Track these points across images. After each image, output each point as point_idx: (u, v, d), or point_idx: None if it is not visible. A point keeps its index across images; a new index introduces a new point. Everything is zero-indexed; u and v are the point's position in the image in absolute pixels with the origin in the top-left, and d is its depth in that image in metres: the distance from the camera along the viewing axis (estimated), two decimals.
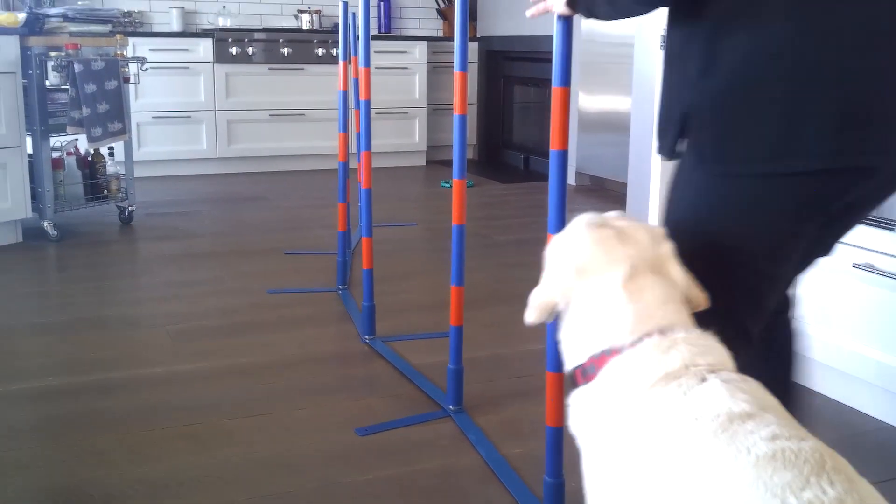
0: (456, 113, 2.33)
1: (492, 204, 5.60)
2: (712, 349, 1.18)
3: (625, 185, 4.19)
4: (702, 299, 1.29)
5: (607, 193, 5.83)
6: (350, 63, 3.49)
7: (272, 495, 1.98)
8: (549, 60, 5.11)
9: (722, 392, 1.07)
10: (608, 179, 5.91)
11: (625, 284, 1.21)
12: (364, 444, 2.23)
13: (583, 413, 1.21)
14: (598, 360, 1.20)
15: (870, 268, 2.29)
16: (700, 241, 1.39)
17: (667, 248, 1.28)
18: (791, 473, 0.93)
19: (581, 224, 1.31)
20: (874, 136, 1.30)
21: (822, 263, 2.40)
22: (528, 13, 1.63)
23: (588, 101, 5.99)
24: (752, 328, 1.47)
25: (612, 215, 1.33)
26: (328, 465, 2.12)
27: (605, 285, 1.22)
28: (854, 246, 2.33)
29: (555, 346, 1.58)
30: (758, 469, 0.95)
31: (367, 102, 2.91)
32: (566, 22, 1.64)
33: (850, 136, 1.29)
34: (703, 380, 1.11)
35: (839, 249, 2.34)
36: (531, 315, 1.30)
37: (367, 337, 2.95)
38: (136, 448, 2.20)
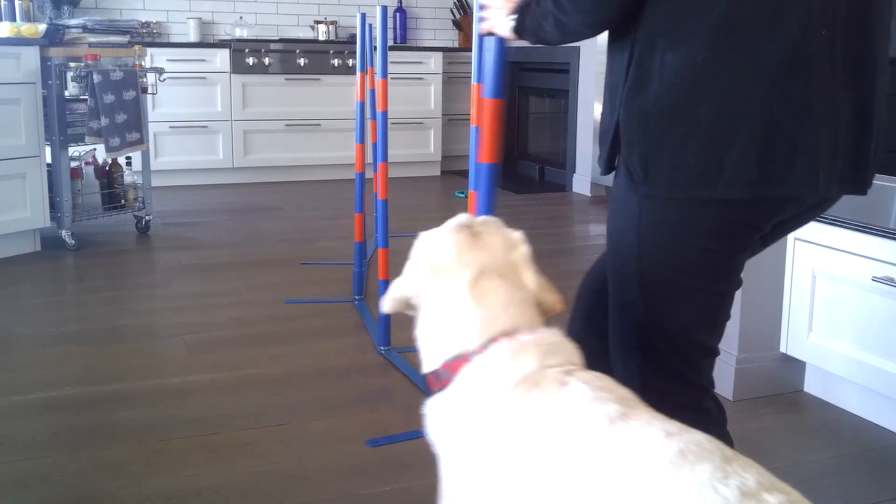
0: (473, 125, 2.32)
1: (507, 215, 5.54)
2: (560, 348, 1.20)
3: None
4: (556, 303, 1.30)
5: None
6: (367, 74, 3.49)
7: None
8: (565, 71, 5.20)
9: (588, 394, 1.09)
10: None
11: (470, 288, 1.23)
12: (380, 455, 2.23)
13: (440, 420, 1.22)
14: (451, 367, 1.21)
15: (889, 281, 2.27)
16: (642, 261, 1.39)
17: (520, 254, 1.30)
18: (708, 465, 0.95)
19: (450, 224, 1.33)
20: (799, 166, 1.28)
21: (841, 277, 2.39)
22: (480, 32, 1.60)
23: None
24: (712, 344, 1.48)
25: (481, 219, 1.35)
26: (344, 476, 2.12)
27: (453, 287, 1.24)
28: (873, 259, 2.32)
29: None
30: (676, 466, 0.96)
31: (384, 114, 2.92)
32: (500, 38, 1.58)
33: (773, 166, 1.28)
34: (564, 383, 1.12)
35: (859, 262, 2.33)
36: (387, 305, 1.32)
37: (382, 348, 2.95)
38: (153, 459, 2.20)
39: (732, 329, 2.59)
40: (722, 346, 2.57)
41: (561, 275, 4.23)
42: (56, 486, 2.07)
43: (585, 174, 6.31)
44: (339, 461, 2.20)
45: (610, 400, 1.08)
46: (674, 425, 1.03)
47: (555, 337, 1.21)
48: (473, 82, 2.34)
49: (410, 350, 2.90)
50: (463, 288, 1.23)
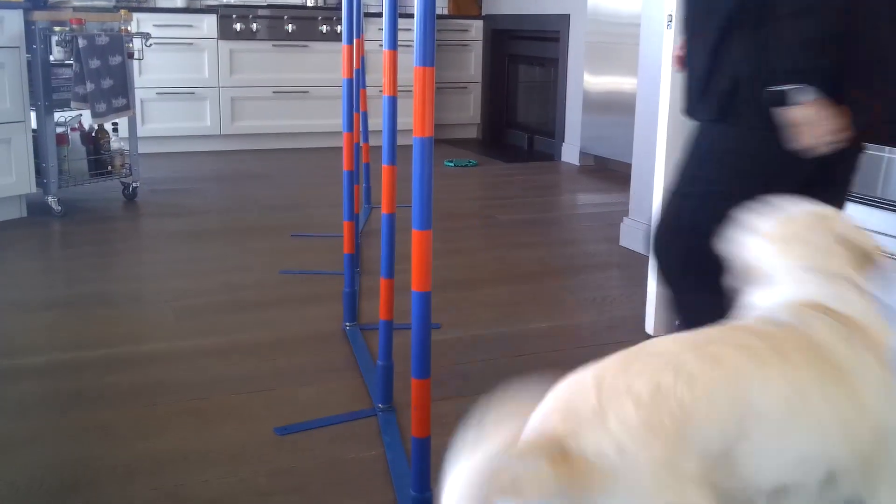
0: (385, 94, 2.14)
1: (495, 184, 5.59)
2: None
3: (629, 165, 4.18)
4: None
5: (611, 174, 5.82)
6: (354, 46, 3.24)
7: (278, 471, 1.99)
8: (556, 40, 5.10)
9: None
10: (612, 160, 5.91)
11: None
12: (369, 420, 2.25)
13: None
14: None
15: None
16: (724, 184, 1.80)
17: None
18: None
19: None
20: None
21: None
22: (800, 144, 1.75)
23: (593, 81, 5.97)
24: None
25: None
26: (334, 441, 2.14)
27: None
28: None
29: (422, 350, 1.58)
30: None
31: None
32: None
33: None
34: None
35: None
36: None
37: (348, 324, 2.90)
38: (141, 423, 2.21)
39: None
40: None
41: (544, 244, 4.24)
42: (44, 450, 2.08)
43: (574, 143, 6.30)
44: (327, 425, 2.22)
45: None
46: None
47: None
48: (385, 49, 2.17)
49: (402, 327, 2.92)
50: None
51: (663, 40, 2.78)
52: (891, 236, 2.26)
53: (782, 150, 1.73)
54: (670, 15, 2.71)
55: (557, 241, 4.18)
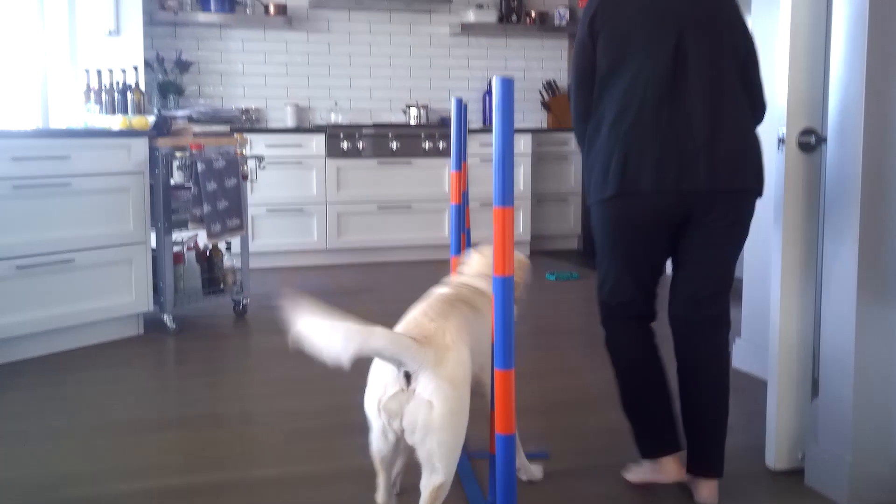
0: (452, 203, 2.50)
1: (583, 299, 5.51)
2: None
3: (740, 280, 4.07)
4: None
5: None
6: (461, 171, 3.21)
7: None
8: None
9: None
10: None
11: None
12: None
13: None
14: None
15: None
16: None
17: None
18: None
19: None
20: (666, 175, 2.36)
21: None
22: None
23: None
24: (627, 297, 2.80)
25: None
26: None
27: None
28: None
29: (508, 493, 1.56)
30: None
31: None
32: (506, 137, 1.54)
33: (649, 176, 2.37)
34: None
35: None
36: None
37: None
38: None
39: (844, 427, 2.47)
40: (833, 446, 2.45)
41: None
42: None
43: None
44: None
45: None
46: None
47: None
48: (453, 170, 2.23)
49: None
50: None
51: (774, 157, 2.73)
52: None
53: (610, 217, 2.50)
54: (782, 134, 2.68)
55: (668, 358, 4.06)
